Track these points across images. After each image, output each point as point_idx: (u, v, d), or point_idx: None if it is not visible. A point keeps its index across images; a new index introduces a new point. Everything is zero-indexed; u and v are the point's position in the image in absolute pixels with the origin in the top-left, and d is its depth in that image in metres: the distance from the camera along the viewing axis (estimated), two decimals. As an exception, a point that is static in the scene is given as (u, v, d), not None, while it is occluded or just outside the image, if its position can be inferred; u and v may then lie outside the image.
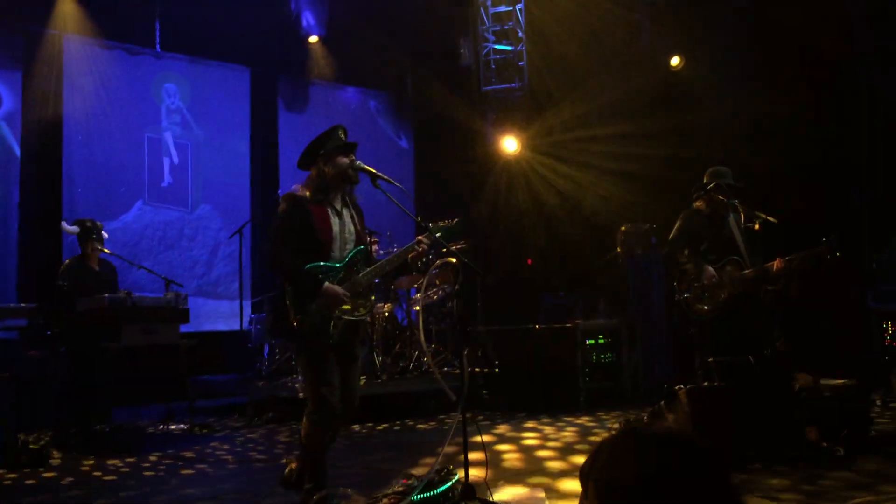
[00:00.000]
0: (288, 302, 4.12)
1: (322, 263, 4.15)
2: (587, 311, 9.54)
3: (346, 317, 4.14)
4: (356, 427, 7.40)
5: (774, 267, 5.50)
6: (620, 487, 1.34)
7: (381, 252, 8.36)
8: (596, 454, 1.45)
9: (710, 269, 5.59)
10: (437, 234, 4.37)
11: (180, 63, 10.66)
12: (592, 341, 8.47)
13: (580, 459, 5.52)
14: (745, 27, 9.58)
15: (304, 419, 4.14)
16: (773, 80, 9.39)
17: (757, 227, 5.74)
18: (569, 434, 6.65)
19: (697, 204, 5.87)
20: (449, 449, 4.80)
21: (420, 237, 4.36)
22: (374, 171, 4.37)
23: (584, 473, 1.46)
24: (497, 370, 8.64)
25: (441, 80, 11.65)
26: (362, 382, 7.93)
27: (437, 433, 6.99)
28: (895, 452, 5.36)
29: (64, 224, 7.72)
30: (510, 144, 11.34)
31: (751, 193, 6.13)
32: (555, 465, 5.46)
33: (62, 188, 9.52)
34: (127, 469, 5.75)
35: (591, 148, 10.57)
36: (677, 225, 5.87)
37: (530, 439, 6.49)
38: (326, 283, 4.07)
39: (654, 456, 1.34)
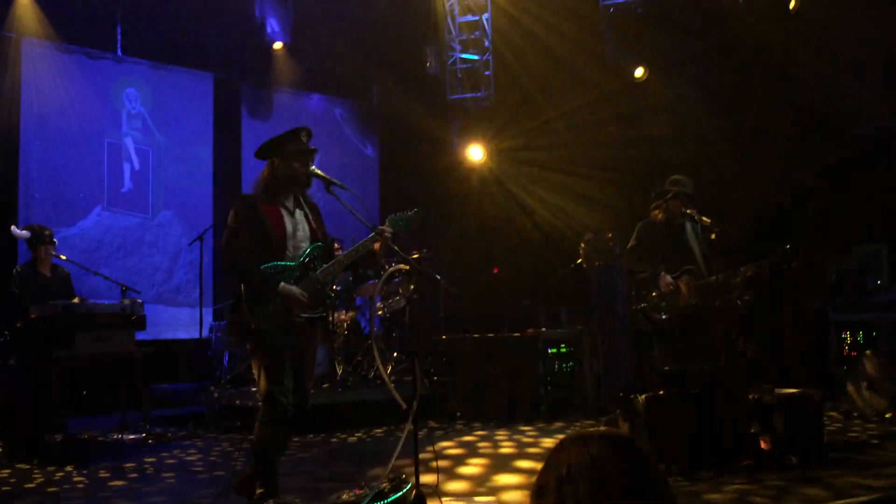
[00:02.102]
0: (244, 303, 4.08)
1: (278, 263, 4.12)
2: (550, 320, 9.56)
3: (304, 315, 4.10)
4: (314, 436, 7.33)
5: (745, 273, 5.52)
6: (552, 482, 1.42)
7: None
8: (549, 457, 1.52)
9: (667, 277, 5.61)
10: (395, 226, 4.36)
11: (142, 68, 10.53)
12: (554, 350, 8.47)
13: (533, 466, 5.50)
14: (708, 40, 9.69)
15: (256, 423, 4.09)
16: (735, 93, 9.50)
17: (713, 236, 5.77)
18: (526, 441, 6.64)
19: (655, 212, 5.89)
20: (404, 460, 4.74)
21: (380, 227, 4.32)
22: (327, 177, 4.36)
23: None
24: (456, 379, 8.60)
25: (407, 89, 11.63)
26: (326, 388, 7.89)
27: (396, 443, 6.92)
28: (847, 460, 5.42)
29: (14, 229, 7.53)
30: (476, 153, 11.35)
31: (709, 203, 6.18)
32: (508, 474, 5.44)
33: (18, 193, 9.34)
34: (78, 479, 5.63)
35: (556, 157, 10.61)
36: (634, 234, 5.89)
37: (487, 448, 6.46)
38: (282, 284, 4.03)
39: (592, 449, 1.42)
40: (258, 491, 4.05)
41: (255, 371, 4.18)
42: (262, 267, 4.07)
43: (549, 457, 1.51)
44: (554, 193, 10.81)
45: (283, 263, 4.13)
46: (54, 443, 6.76)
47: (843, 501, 3.82)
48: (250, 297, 4.07)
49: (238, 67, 11.23)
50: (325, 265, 4.24)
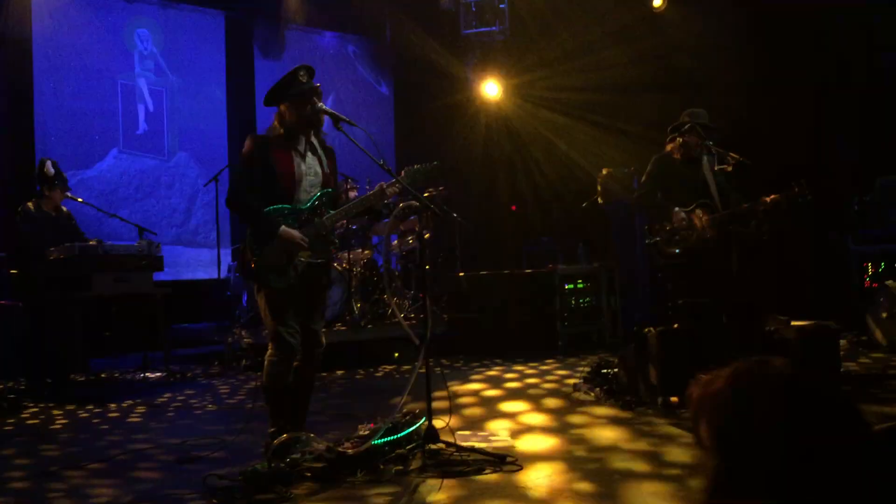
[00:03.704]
0: (247, 242, 4.11)
1: (285, 206, 4.11)
2: (568, 256, 9.53)
3: (304, 260, 4.11)
4: (332, 373, 7.42)
5: (758, 207, 5.43)
6: (747, 436, 1.15)
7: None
8: (715, 395, 1.24)
9: (681, 212, 5.54)
10: (411, 179, 4.33)
11: (152, 8, 10.42)
12: (571, 286, 8.47)
13: (559, 403, 5.55)
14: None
15: (265, 361, 4.13)
16: (760, 28, 9.24)
17: (730, 168, 5.67)
18: (540, 380, 6.69)
19: (670, 147, 5.79)
20: (419, 396, 4.79)
21: (386, 183, 4.31)
22: (336, 113, 4.30)
23: (698, 410, 1.27)
24: (475, 315, 8.64)
25: (421, 25, 11.44)
26: (344, 326, 7.96)
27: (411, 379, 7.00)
28: (863, 393, 5.41)
29: (49, 165, 7.44)
30: (491, 89, 11.19)
31: (732, 140, 6.06)
32: (523, 409, 5.48)
33: (34, 137, 9.36)
34: (95, 418, 5.75)
35: (571, 92, 10.43)
36: (648, 169, 5.80)
37: (504, 383, 6.51)
38: (283, 227, 4.03)
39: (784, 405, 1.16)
40: (270, 429, 4.10)
41: (260, 310, 4.20)
42: (267, 209, 4.06)
43: (727, 396, 1.22)
44: (571, 129, 10.66)
45: (289, 207, 4.11)
46: (76, 382, 6.89)
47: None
48: (253, 238, 4.08)
49: (249, 5, 11.08)
50: (332, 212, 4.23)
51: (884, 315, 7.26)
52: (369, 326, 8.19)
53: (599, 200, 9.26)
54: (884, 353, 6.99)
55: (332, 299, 7.93)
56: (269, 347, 4.12)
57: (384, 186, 4.29)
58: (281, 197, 4.12)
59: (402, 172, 4.39)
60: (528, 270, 8.66)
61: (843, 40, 8.87)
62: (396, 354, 8.03)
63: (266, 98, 4.28)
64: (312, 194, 4.22)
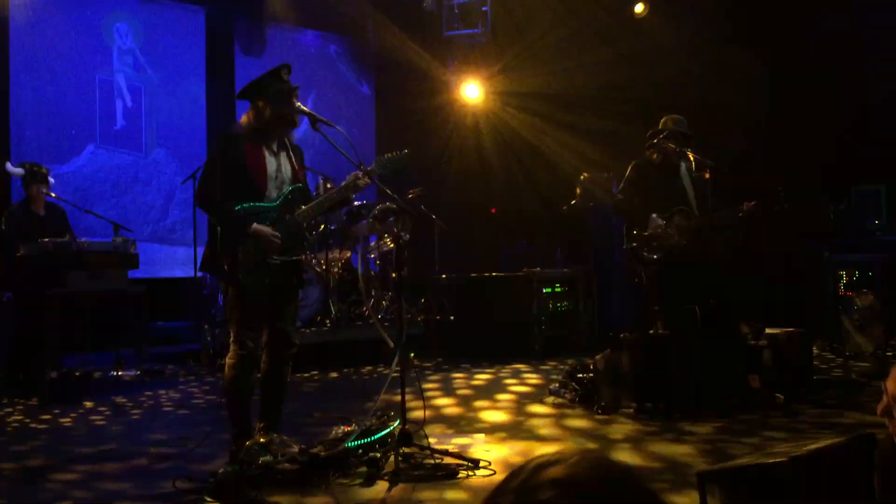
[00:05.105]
0: (217, 242, 4.04)
1: (256, 204, 4.06)
2: (546, 260, 9.54)
3: (278, 258, 4.05)
4: (307, 374, 7.38)
5: (734, 214, 5.48)
6: None
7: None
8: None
9: (658, 218, 5.57)
10: (382, 168, 4.29)
11: (132, 2, 10.30)
12: (549, 290, 8.48)
13: (533, 408, 5.55)
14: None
15: (225, 364, 4.08)
16: (736, 32, 9.29)
17: (707, 175, 5.71)
18: (515, 382, 6.69)
19: (649, 152, 5.82)
20: (395, 397, 4.77)
21: (357, 173, 4.24)
22: (313, 113, 4.27)
23: None
24: (451, 318, 8.64)
25: (403, 25, 11.40)
26: (320, 327, 7.92)
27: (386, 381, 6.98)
28: (834, 398, 5.47)
29: (8, 165, 7.47)
30: (472, 91, 11.19)
31: (708, 145, 6.10)
32: (498, 412, 5.48)
33: (9, 131, 9.24)
34: (68, 418, 5.68)
35: (552, 96, 10.45)
36: (627, 174, 5.83)
37: (476, 385, 6.51)
38: (255, 225, 3.97)
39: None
40: (233, 431, 4.06)
41: (225, 310, 4.15)
42: (238, 207, 4.00)
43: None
44: (552, 132, 10.68)
45: (260, 205, 4.06)
46: (49, 380, 6.79)
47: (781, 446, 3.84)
48: (223, 236, 4.01)
49: (230, 2, 11.00)
50: (303, 207, 4.18)
51: (857, 323, 7.35)
52: (352, 325, 8.16)
53: (579, 204, 9.29)
54: (857, 361, 7.06)
55: (309, 300, 7.89)
56: (230, 349, 4.06)
57: (358, 176, 4.24)
58: (252, 194, 4.06)
59: (373, 162, 4.36)
60: (506, 274, 8.66)
61: (824, 47, 8.95)
62: (413, 354, 7.97)
63: (242, 92, 4.22)
64: (283, 192, 4.18)
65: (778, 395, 5.23)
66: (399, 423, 4.19)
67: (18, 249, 6.63)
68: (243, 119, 4.24)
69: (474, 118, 11.45)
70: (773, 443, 4.22)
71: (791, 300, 8.40)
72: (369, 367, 7.76)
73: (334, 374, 7.49)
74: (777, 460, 2.04)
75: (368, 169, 4.23)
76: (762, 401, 5.19)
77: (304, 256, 4.34)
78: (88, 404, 6.06)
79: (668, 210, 5.62)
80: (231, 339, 4.07)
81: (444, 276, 9.07)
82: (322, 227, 7.89)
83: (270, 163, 4.14)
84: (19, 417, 5.66)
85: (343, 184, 4.28)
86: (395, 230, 8.58)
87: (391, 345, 4.35)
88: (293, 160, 4.25)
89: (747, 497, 2.07)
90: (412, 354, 7.87)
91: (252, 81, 4.19)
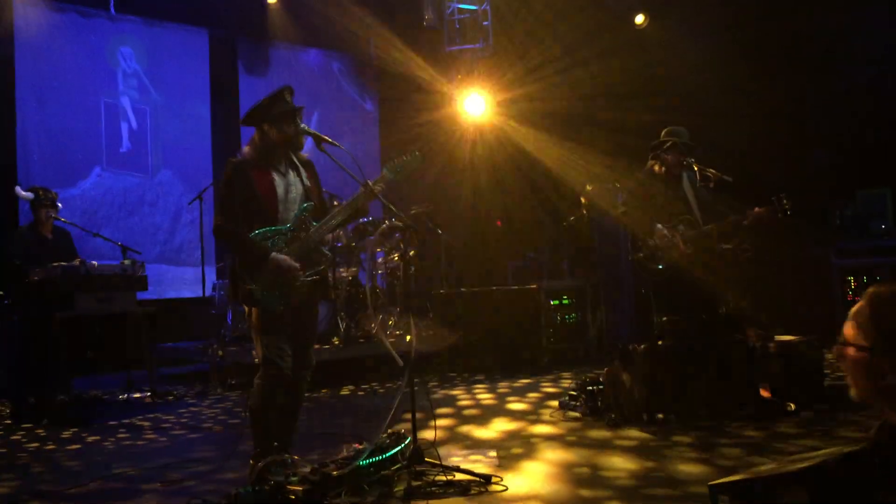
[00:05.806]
0: (239, 269, 4.06)
1: (269, 228, 4.08)
2: (553, 272, 9.55)
3: (302, 279, 4.06)
4: (317, 392, 7.38)
5: (738, 222, 5.48)
6: None
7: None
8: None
9: (663, 228, 5.57)
10: (394, 174, 4.28)
11: (136, 25, 10.40)
12: (557, 301, 8.48)
13: (543, 421, 5.54)
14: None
15: (255, 383, 4.08)
16: (738, 40, 9.32)
17: (711, 185, 5.72)
18: (525, 396, 6.68)
19: (652, 163, 5.83)
20: (406, 415, 4.78)
21: (369, 182, 4.23)
22: (319, 134, 4.28)
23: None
24: (460, 333, 8.63)
25: (405, 41, 11.46)
26: (330, 345, 7.92)
27: (396, 398, 6.98)
28: (846, 406, 5.43)
29: (18, 189, 7.55)
30: (475, 105, 11.22)
31: (712, 154, 6.10)
32: (508, 426, 5.47)
33: (16, 154, 9.30)
34: (78, 440, 5.70)
35: (555, 109, 10.48)
36: (631, 186, 5.85)
37: (487, 402, 6.50)
38: (273, 255, 3.97)
39: None
40: (255, 451, 4.07)
41: (252, 332, 4.16)
42: (254, 234, 4.02)
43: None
44: (556, 145, 10.70)
45: (274, 228, 4.07)
46: (59, 403, 6.82)
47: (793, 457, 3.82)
48: (243, 266, 4.04)
49: (233, 23, 11.08)
50: (316, 224, 4.19)
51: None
52: (360, 342, 8.17)
53: (584, 216, 9.29)
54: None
55: (318, 317, 7.89)
56: (260, 370, 4.07)
57: (371, 184, 4.23)
58: (265, 218, 4.08)
59: (384, 169, 4.35)
60: (514, 286, 8.66)
61: (823, 48, 8.96)
62: (422, 370, 7.99)
63: (246, 118, 4.23)
64: (296, 212, 4.19)
65: (789, 403, 5.22)
66: (410, 441, 4.20)
67: (30, 273, 6.67)
68: (249, 144, 4.26)
69: (478, 131, 11.48)
70: (785, 453, 4.21)
71: (800, 307, 8.38)
72: (378, 384, 7.76)
73: (345, 392, 7.49)
74: (788, 470, 2.04)
75: (380, 176, 4.24)
76: (773, 410, 5.18)
77: (326, 271, 4.32)
78: (96, 427, 6.07)
79: (673, 220, 5.63)
80: (260, 359, 4.08)
81: (451, 290, 9.08)
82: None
83: (279, 185, 4.15)
84: (34, 444, 5.67)
85: (356, 195, 4.23)
86: (402, 246, 8.66)
87: (400, 363, 4.35)
88: (303, 177, 4.26)
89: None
90: (422, 370, 7.93)
91: (255, 105, 4.21)
